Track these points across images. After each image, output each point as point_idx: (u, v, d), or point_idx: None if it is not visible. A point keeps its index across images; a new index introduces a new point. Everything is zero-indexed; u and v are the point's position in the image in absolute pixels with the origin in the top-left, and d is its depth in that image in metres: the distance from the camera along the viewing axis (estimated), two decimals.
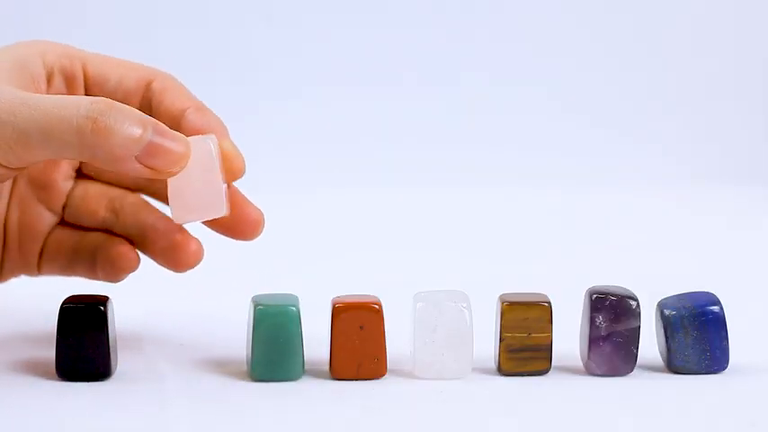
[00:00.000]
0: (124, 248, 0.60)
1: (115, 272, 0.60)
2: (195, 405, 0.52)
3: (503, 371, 0.55)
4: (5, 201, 0.61)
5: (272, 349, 0.54)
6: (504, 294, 0.56)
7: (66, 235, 0.61)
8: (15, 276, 0.62)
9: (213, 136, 0.55)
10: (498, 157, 1.31)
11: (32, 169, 0.61)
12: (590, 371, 0.56)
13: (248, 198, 0.60)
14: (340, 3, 1.36)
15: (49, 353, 0.55)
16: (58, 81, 0.59)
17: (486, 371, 0.56)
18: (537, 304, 0.55)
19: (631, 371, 0.55)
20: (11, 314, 0.68)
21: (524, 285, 0.61)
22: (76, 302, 0.53)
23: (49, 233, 0.61)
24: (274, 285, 0.59)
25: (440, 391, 0.53)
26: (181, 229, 0.60)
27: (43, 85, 0.58)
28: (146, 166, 0.52)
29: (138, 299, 0.65)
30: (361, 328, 0.54)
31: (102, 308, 0.53)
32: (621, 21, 1.38)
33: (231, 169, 0.57)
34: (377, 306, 0.54)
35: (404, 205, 1.16)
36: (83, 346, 0.53)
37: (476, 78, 1.36)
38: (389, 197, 1.17)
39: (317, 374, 0.56)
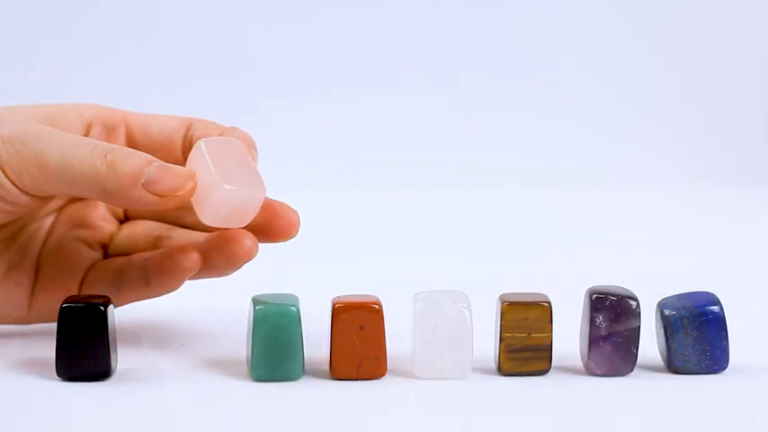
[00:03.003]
0: (183, 248, 0.60)
1: (175, 273, 0.60)
2: (195, 405, 0.52)
3: (503, 371, 0.55)
4: (41, 241, 0.62)
5: (272, 349, 0.54)
6: (504, 294, 0.56)
7: (110, 262, 0.62)
8: (46, 320, 0.62)
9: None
10: (498, 157, 1.31)
11: (72, 210, 0.63)
12: (590, 371, 0.56)
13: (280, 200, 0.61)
14: (340, 3, 1.36)
15: (49, 353, 0.55)
16: (96, 130, 0.61)
17: (486, 371, 0.56)
18: (537, 304, 0.55)
19: (631, 371, 0.55)
20: None
21: (524, 285, 0.61)
22: (76, 302, 0.53)
23: (91, 267, 0.62)
24: (274, 285, 0.59)
25: (440, 391, 0.53)
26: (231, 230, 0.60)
27: (79, 132, 0.61)
28: (152, 193, 0.54)
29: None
30: (361, 328, 0.54)
31: (102, 308, 0.53)
32: (621, 21, 1.38)
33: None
34: (377, 306, 0.54)
35: (404, 205, 1.16)
36: (83, 346, 0.53)
37: (476, 78, 1.36)
38: (389, 197, 1.17)
39: (317, 374, 0.56)
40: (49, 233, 0.62)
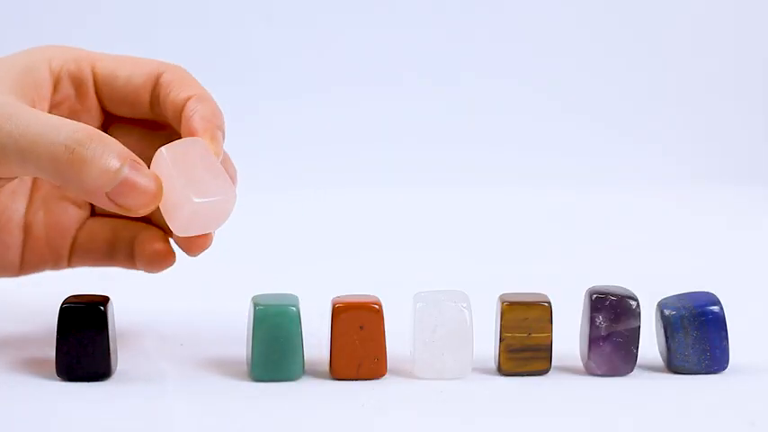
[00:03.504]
0: (160, 245, 0.60)
1: (153, 267, 0.60)
2: (195, 405, 0.52)
3: (503, 371, 0.55)
4: (24, 201, 0.61)
5: (272, 349, 0.54)
6: (504, 294, 0.56)
7: (98, 226, 0.61)
8: (38, 272, 0.62)
9: (201, 140, 0.55)
10: (498, 157, 1.31)
11: None
12: (590, 371, 0.56)
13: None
14: (340, 3, 1.36)
15: (49, 353, 0.55)
16: (65, 85, 0.59)
17: (486, 371, 0.56)
18: (537, 304, 0.55)
19: (631, 371, 0.55)
20: (11, 314, 0.68)
21: (524, 285, 0.61)
22: (76, 302, 0.53)
23: (80, 227, 0.61)
24: (274, 285, 0.59)
25: (440, 391, 0.53)
26: None
27: (47, 91, 0.58)
28: (115, 204, 0.53)
29: (138, 299, 0.65)
30: (361, 328, 0.54)
31: (102, 308, 0.53)
32: (621, 21, 1.38)
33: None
34: (377, 306, 0.54)
35: (404, 205, 1.16)
36: (83, 346, 0.53)
37: (476, 78, 1.36)
38: (389, 197, 1.17)
39: (317, 374, 0.56)
40: (33, 194, 0.61)
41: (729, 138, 1.37)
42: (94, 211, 0.62)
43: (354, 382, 0.54)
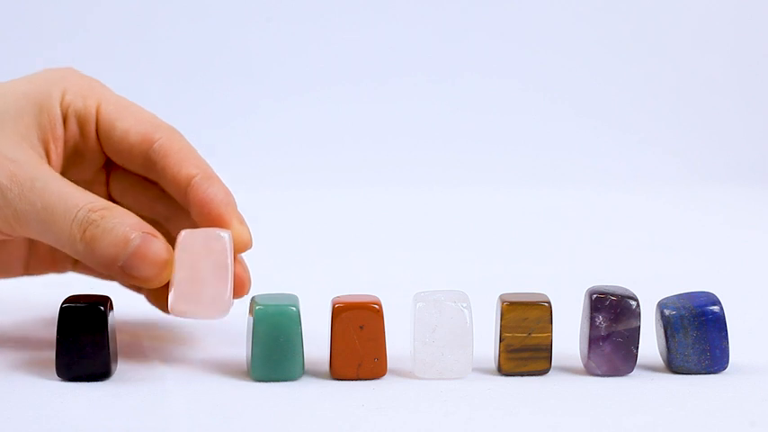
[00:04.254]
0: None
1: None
2: (195, 405, 0.52)
3: (503, 371, 0.55)
4: None
5: (272, 349, 0.54)
6: (504, 294, 0.56)
7: None
8: (40, 275, 0.63)
9: (229, 232, 0.55)
10: (498, 158, 1.31)
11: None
12: (590, 371, 0.56)
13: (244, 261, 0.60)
14: (340, 3, 1.36)
15: (49, 353, 0.55)
16: (72, 122, 0.59)
17: (486, 371, 0.56)
18: (537, 304, 0.55)
19: (631, 371, 0.55)
20: (11, 314, 0.68)
21: (524, 285, 0.61)
22: (76, 302, 0.53)
23: None
24: (274, 285, 0.59)
25: (440, 391, 0.53)
26: None
27: (60, 130, 0.59)
28: (130, 276, 0.54)
29: (138, 299, 0.65)
30: (361, 328, 0.54)
31: (102, 308, 0.53)
32: (622, 21, 1.38)
33: (238, 247, 0.57)
34: (377, 306, 0.54)
35: (403, 205, 1.16)
36: (83, 346, 0.53)
37: (476, 78, 1.36)
38: (389, 197, 1.18)
39: (317, 374, 0.56)
40: None
41: (729, 138, 1.37)
42: None
43: (354, 382, 0.54)
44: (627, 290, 0.56)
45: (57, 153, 0.58)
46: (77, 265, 0.63)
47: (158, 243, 0.54)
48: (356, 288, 0.58)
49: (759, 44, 1.38)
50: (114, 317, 0.55)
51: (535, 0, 1.37)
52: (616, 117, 1.36)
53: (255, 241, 0.59)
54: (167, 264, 0.54)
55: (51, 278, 0.64)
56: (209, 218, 0.57)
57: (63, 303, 0.53)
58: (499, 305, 0.55)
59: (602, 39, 1.37)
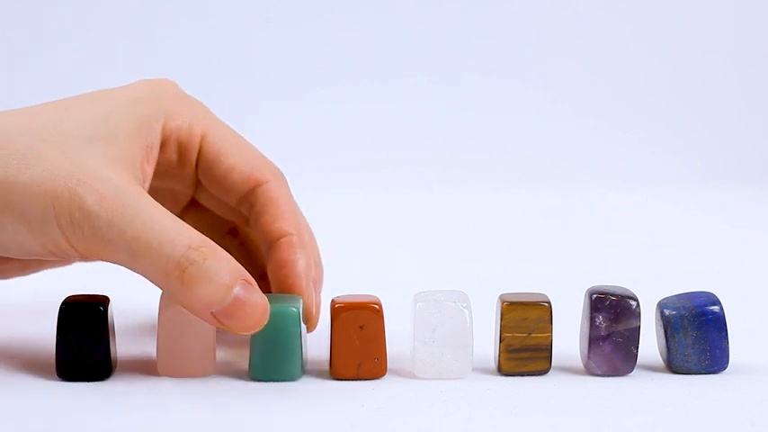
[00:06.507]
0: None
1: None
2: (195, 405, 0.52)
3: (503, 371, 0.55)
4: None
5: (272, 350, 0.54)
6: (504, 294, 0.56)
7: None
8: (50, 268, 0.61)
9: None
10: (498, 157, 1.31)
11: None
12: (590, 371, 0.56)
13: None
14: (340, 3, 1.36)
15: (49, 353, 0.55)
16: (171, 149, 0.58)
17: (486, 371, 0.56)
18: (537, 304, 0.55)
19: (631, 371, 0.55)
20: (11, 314, 0.68)
21: (524, 285, 0.61)
22: (76, 302, 0.53)
23: None
24: None
25: (440, 391, 0.53)
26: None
27: (156, 153, 0.56)
28: (220, 323, 0.51)
29: (138, 299, 0.65)
30: (361, 328, 0.54)
31: (102, 308, 0.53)
32: (622, 21, 1.38)
33: (307, 323, 0.57)
34: (377, 306, 0.54)
35: (404, 205, 1.16)
36: (83, 346, 0.53)
37: (476, 78, 1.36)
38: (389, 197, 1.18)
39: (317, 374, 0.56)
40: None
41: (729, 138, 1.37)
42: None
43: (354, 382, 0.54)
44: (627, 290, 0.56)
45: (148, 174, 0.56)
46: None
47: (257, 294, 0.51)
48: (356, 288, 0.58)
49: (759, 44, 1.38)
50: (114, 317, 0.55)
51: (535, 0, 1.37)
52: (616, 117, 1.36)
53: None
54: (265, 315, 0.51)
55: (51, 278, 0.64)
56: (283, 281, 0.57)
57: (63, 303, 0.53)
58: (499, 305, 0.55)
59: (602, 39, 1.37)
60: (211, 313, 0.51)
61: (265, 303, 0.52)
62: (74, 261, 0.58)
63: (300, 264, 0.57)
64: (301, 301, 0.55)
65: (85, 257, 0.53)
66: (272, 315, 0.54)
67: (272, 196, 0.58)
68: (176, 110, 0.57)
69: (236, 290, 0.51)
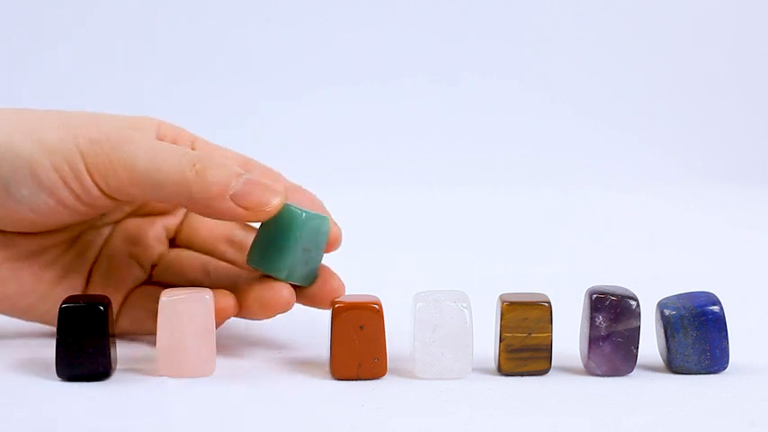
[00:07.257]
0: (227, 300, 0.58)
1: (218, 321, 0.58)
2: (195, 405, 0.52)
3: (503, 371, 0.55)
4: (97, 250, 0.61)
5: (269, 240, 0.56)
6: (504, 294, 0.56)
7: (151, 290, 0.61)
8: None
9: (211, 293, 0.55)
10: (498, 157, 1.31)
11: (129, 225, 0.62)
12: (590, 371, 0.56)
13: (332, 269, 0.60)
14: (340, 3, 1.36)
15: (49, 353, 0.55)
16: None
17: (486, 371, 0.56)
18: (537, 304, 0.55)
19: (631, 371, 0.55)
20: None
21: (524, 285, 0.61)
22: (76, 302, 0.53)
23: (134, 288, 0.61)
24: None
25: (440, 391, 0.53)
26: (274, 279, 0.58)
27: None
28: (239, 206, 0.55)
29: None
30: (361, 328, 0.54)
31: (102, 308, 0.53)
32: (622, 21, 1.38)
33: (330, 244, 0.60)
34: (377, 306, 0.54)
35: (403, 205, 1.16)
36: (83, 346, 0.53)
37: (476, 78, 1.36)
38: (389, 197, 1.17)
39: (317, 374, 0.56)
40: (105, 244, 0.62)
41: (729, 138, 1.37)
42: (151, 280, 0.62)
43: (354, 382, 0.54)
44: (627, 290, 0.56)
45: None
46: (120, 318, 0.62)
47: (265, 180, 0.56)
48: (356, 288, 0.58)
49: (759, 44, 1.38)
50: (114, 317, 0.55)
51: (535, 0, 1.37)
52: (616, 117, 1.36)
53: None
54: (278, 191, 0.55)
55: None
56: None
57: (63, 303, 0.53)
58: (499, 305, 0.55)
59: (602, 39, 1.37)
60: (230, 197, 0.54)
61: (281, 178, 0.58)
62: (100, 210, 0.59)
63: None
64: (326, 218, 0.57)
65: (107, 189, 0.55)
66: (283, 210, 0.55)
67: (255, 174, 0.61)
68: (164, 124, 0.61)
69: (246, 175, 0.55)
